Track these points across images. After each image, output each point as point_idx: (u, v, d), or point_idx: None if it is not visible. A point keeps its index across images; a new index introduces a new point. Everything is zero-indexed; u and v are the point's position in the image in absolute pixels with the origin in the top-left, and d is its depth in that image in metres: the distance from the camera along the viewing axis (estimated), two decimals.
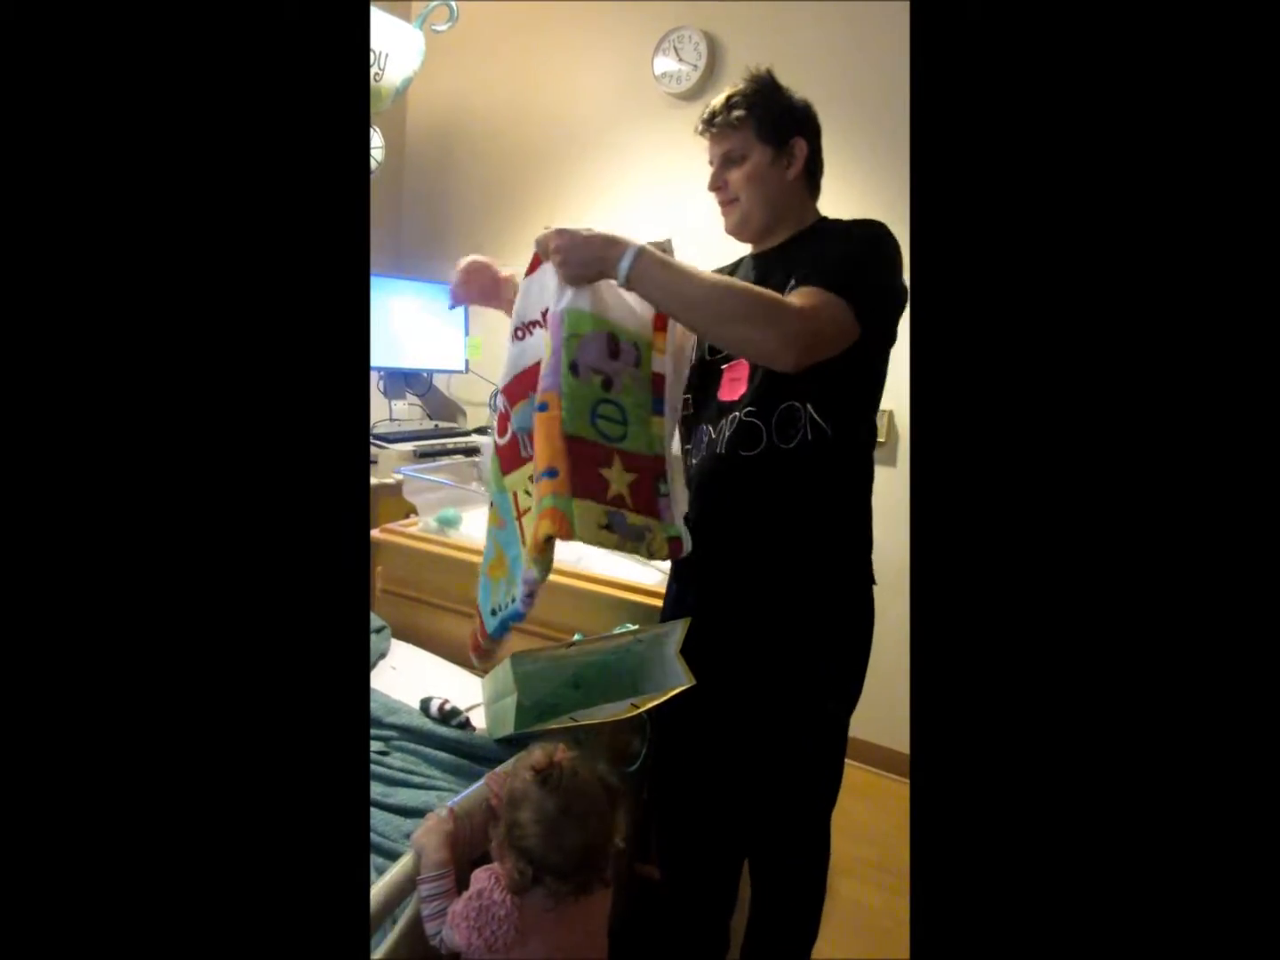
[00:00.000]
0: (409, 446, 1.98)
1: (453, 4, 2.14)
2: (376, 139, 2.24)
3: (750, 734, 1.05)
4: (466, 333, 2.38)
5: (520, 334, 1.00)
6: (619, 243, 0.85)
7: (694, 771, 1.11)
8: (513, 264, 1.08)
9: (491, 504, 1.05)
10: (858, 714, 1.08)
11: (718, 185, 1.04)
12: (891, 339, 0.99)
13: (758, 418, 0.98)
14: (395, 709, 1.17)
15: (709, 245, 1.19)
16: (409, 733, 1.13)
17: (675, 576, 1.14)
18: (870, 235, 0.95)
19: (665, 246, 0.90)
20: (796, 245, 1.01)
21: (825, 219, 1.05)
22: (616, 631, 1.15)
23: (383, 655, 1.43)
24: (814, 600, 1.00)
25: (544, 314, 0.94)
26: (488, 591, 1.04)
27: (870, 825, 1.80)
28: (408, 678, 1.33)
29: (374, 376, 2.26)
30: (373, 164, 2.20)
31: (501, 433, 1.02)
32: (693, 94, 2.12)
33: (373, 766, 1.05)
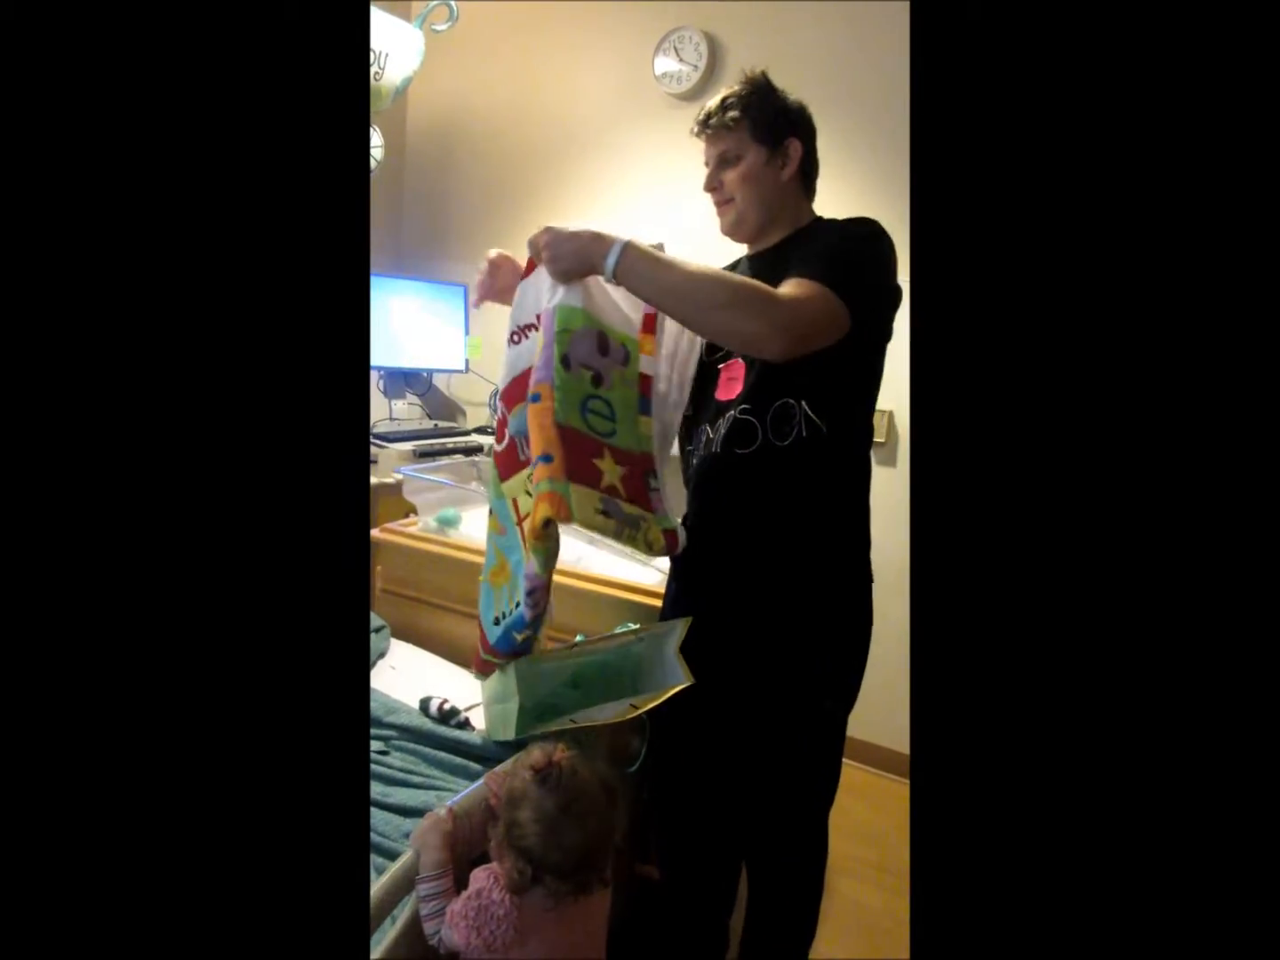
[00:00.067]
0: (409, 446, 1.98)
1: (453, 4, 2.14)
2: (376, 138, 2.24)
3: (748, 732, 1.05)
4: (466, 332, 2.38)
5: (516, 338, 1.00)
6: (605, 238, 0.86)
7: (692, 770, 1.11)
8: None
9: (491, 511, 1.05)
10: (857, 714, 1.08)
11: (713, 186, 1.05)
12: (887, 335, 0.99)
13: (753, 415, 0.98)
14: (395, 709, 1.17)
15: (708, 246, 1.19)
16: (408, 732, 1.13)
17: (674, 576, 1.14)
18: (863, 232, 0.96)
19: (657, 249, 0.90)
20: (792, 245, 1.01)
21: (821, 219, 1.05)
22: (618, 631, 1.15)
23: (382, 655, 1.43)
24: (811, 597, 1.00)
25: (539, 317, 0.95)
26: (490, 600, 1.04)
27: (870, 825, 1.80)
28: (407, 677, 1.33)
29: (374, 376, 2.26)
30: (372, 163, 2.20)
31: (500, 439, 1.02)
32: (693, 94, 2.12)
33: (372, 766, 1.05)
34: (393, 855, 0.87)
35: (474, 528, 1.54)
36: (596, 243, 0.86)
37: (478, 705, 1.19)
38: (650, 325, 0.98)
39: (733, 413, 1.00)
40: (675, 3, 2.13)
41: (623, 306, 0.97)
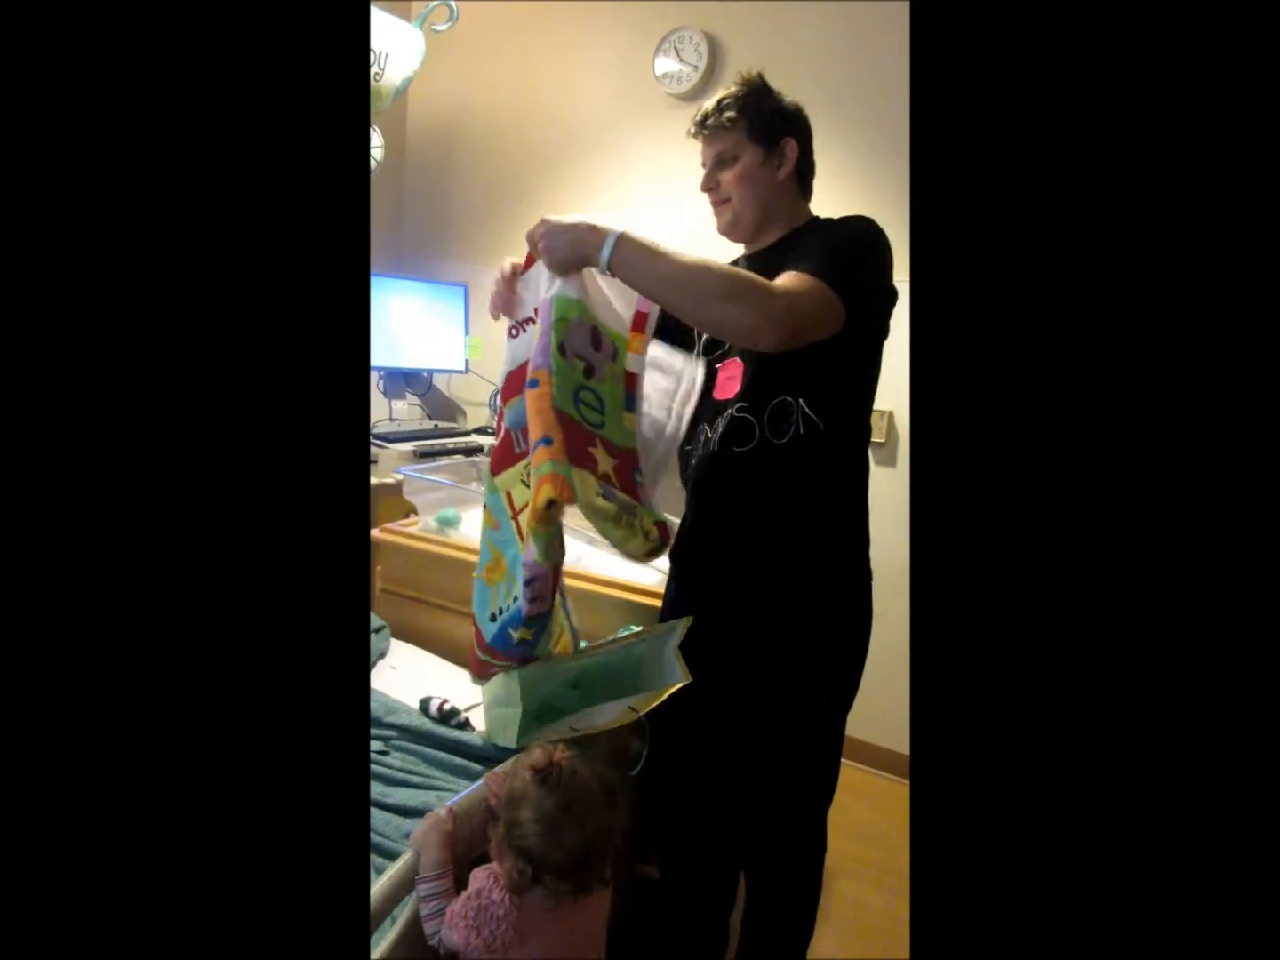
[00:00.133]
0: (409, 446, 1.98)
1: (453, 4, 2.14)
2: (376, 138, 2.24)
3: (747, 730, 1.05)
4: (467, 332, 2.38)
5: (514, 331, 1.01)
6: (601, 230, 0.86)
7: (692, 768, 1.11)
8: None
9: (485, 506, 1.04)
10: (857, 714, 1.08)
11: (710, 186, 1.06)
12: (883, 333, 1.00)
13: (750, 413, 0.98)
14: (395, 709, 1.17)
15: (706, 246, 1.18)
16: (408, 732, 1.13)
17: (673, 575, 1.14)
18: (859, 230, 0.96)
19: None
20: (789, 244, 1.01)
21: (818, 219, 1.06)
22: (620, 635, 1.15)
23: (382, 655, 1.43)
24: (809, 595, 1.00)
25: (537, 310, 0.95)
26: (485, 596, 1.03)
27: (870, 825, 1.80)
28: (407, 677, 1.33)
29: (374, 376, 2.26)
30: (373, 164, 2.20)
31: (497, 432, 1.02)
32: (693, 95, 2.12)
33: (372, 766, 1.05)
34: (393, 855, 0.87)
35: (474, 528, 1.54)
36: (592, 234, 0.86)
37: (478, 705, 1.19)
38: (640, 324, 0.98)
39: (730, 411, 1.00)
40: (675, 3, 2.13)
41: (614, 304, 0.98)
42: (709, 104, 1.03)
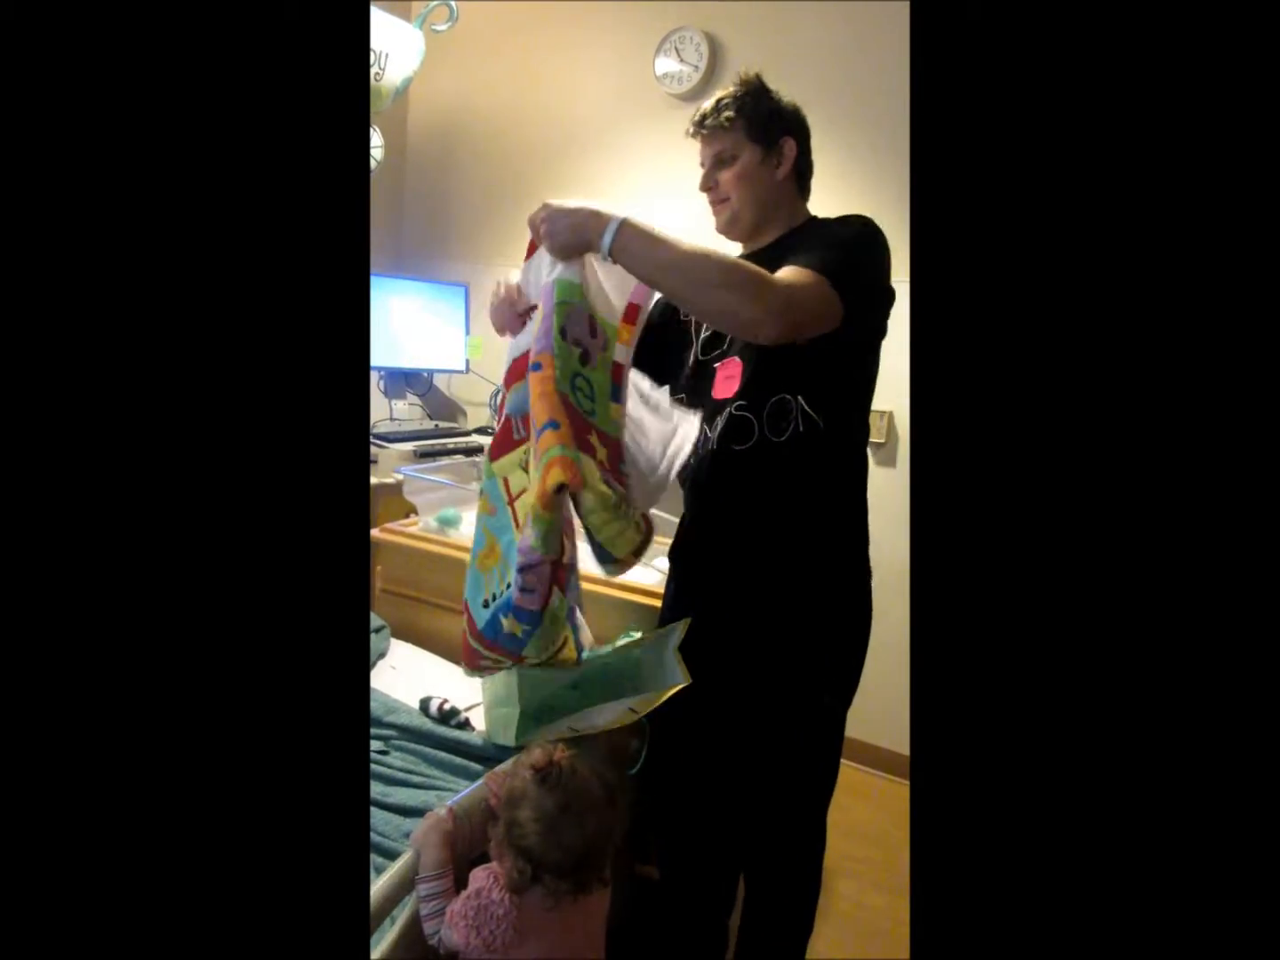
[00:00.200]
0: (409, 446, 1.98)
1: (453, 4, 2.14)
2: (376, 138, 2.24)
3: (747, 729, 1.05)
4: (467, 332, 2.38)
5: (521, 321, 1.00)
6: (603, 215, 0.86)
7: (691, 768, 1.11)
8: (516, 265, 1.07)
9: (481, 492, 1.03)
10: (858, 715, 1.08)
11: (709, 185, 1.06)
12: (881, 332, 1.00)
13: (749, 411, 0.98)
14: (395, 708, 1.17)
15: (706, 246, 1.19)
16: (408, 732, 1.13)
17: (673, 575, 1.14)
18: (858, 228, 0.97)
19: None
20: (787, 244, 1.01)
21: (816, 218, 1.06)
22: (621, 642, 1.15)
23: (382, 655, 1.43)
24: (809, 592, 1.00)
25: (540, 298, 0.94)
26: (478, 583, 1.01)
27: (870, 825, 1.80)
28: (407, 677, 1.33)
29: (374, 376, 2.26)
30: (373, 164, 2.20)
31: (498, 422, 1.01)
32: (694, 95, 2.12)
33: (372, 766, 1.05)
34: (393, 855, 0.87)
35: (473, 527, 1.54)
36: (594, 219, 0.86)
37: (478, 705, 1.20)
38: (632, 316, 0.98)
39: (729, 410, 1.00)
40: (675, 3, 2.13)
41: (610, 294, 0.97)
42: (707, 104, 1.04)
